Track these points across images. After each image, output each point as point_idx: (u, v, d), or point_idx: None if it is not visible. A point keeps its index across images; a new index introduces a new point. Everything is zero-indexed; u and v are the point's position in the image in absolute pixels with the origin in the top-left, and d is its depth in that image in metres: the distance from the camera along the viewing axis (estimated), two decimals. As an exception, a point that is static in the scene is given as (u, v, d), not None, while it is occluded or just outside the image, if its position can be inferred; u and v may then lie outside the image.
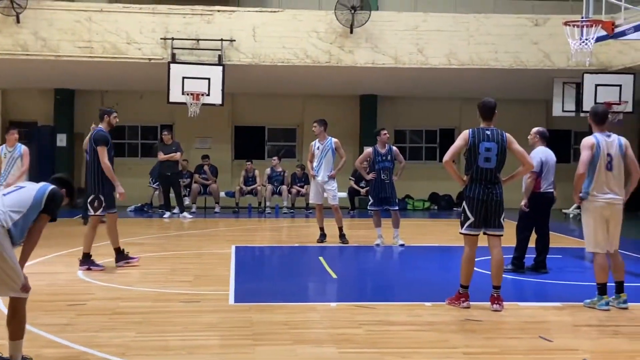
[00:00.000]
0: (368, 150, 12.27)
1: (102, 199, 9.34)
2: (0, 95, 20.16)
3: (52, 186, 5.32)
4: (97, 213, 9.40)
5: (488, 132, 7.36)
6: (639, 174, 7.57)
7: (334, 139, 12.38)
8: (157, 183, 17.73)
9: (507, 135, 7.43)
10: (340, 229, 12.48)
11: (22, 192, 5.21)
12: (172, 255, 10.83)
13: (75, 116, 19.92)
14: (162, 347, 5.89)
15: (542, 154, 9.50)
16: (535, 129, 9.82)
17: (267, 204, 18.50)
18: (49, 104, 19.86)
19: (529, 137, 9.78)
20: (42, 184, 5.33)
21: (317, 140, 12.50)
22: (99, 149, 9.31)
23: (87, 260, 9.36)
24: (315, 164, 12.36)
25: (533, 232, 9.73)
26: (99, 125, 9.63)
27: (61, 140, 19.64)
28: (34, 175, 19.56)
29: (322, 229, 12.54)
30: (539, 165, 9.30)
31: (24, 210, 5.06)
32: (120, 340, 6.02)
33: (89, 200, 9.49)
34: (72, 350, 5.74)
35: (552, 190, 9.63)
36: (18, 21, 15.13)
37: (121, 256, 9.67)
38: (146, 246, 11.68)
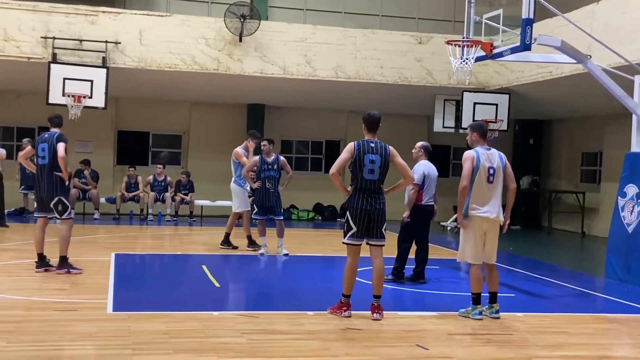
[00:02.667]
0: (255, 158, 12.25)
1: (66, 201, 9.40)
2: None
3: None
4: (64, 217, 9.44)
5: (372, 145, 7.52)
6: (514, 185, 7.96)
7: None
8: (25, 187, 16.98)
9: (391, 148, 7.62)
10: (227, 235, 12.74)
11: None
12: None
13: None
14: (34, 357, 5.65)
15: (425, 167, 9.78)
16: (419, 144, 10.07)
17: (150, 211, 18.09)
18: None
19: (413, 151, 10.02)
20: None
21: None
22: (60, 145, 9.29)
23: (65, 264, 9.40)
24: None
25: (413, 243, 10.00)
26: (53, 129, 9.62)
27: None
28: None
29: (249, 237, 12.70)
30: (421, 178, 9.61)
31: None
32: (-11, 351, 5.73)
33: (52, 204, 9.37)
34: None
35: (432, 203, 9.91)
36: None
37: (43, 262, 9.56)
38: (20, 252, 11.15)
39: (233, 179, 12.71)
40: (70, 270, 9.41)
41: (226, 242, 12.72)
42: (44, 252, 9.62)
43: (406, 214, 9.73)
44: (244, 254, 12.35)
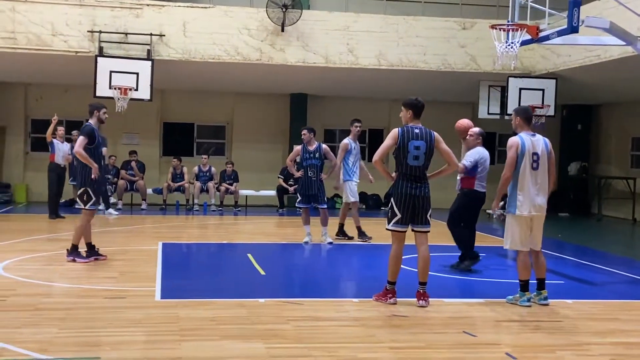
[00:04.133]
0: (297, 148, 12.27)
1: (91, 193, 9.45)
2: None
3: None
4: (87, 207, 9.48)
5: (417, 131, 7.43)
6: (555, 175, 7.81)
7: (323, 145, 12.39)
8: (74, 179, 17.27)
9: (435, 134, 7.53)
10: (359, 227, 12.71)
11: None
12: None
13: (-3, 108, 19.32)
14: (85, 343, 5.73)
15: (480, 154, 9.66)
16: (476, 130, 9.90)
17: (196, 201, 18.28)
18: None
19: (468, 137, 9.85)
20: None
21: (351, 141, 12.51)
22: (80, 139, 9.38)
23: (74, 252, 9.50)
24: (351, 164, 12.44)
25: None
26: (89, 121, 9.73)
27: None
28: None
29: (359, 227, 12.71)
30: (473, 165, 9.53)
31: None
32: (42, 337, 5.83)
33: (78, 193, 9.60)
34: (-11, 347, 5.54)
35: (484, 190, 9.78)
36: None
37: (92, 252, 9.74)
38: (69, 242, 11.36)
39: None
40: (76, 259, 9.46)
41: (341, 232, 12.77)
42: (92, 241, 9.77)
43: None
44: (288, 242, 12.38)
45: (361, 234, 12.59)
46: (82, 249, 9.72)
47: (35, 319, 6.48)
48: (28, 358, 5.30)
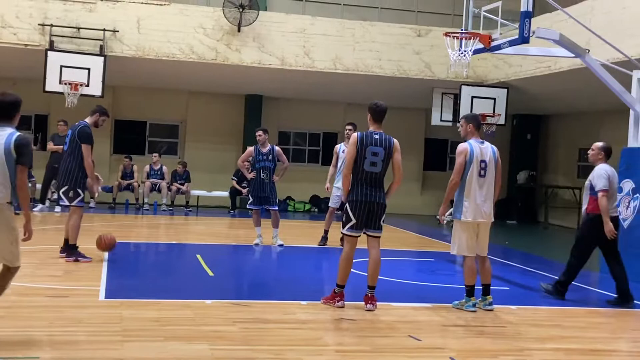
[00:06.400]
0: (250, 149, 12.19)
1: (79, 191, 9.44)
2: None
3: (15, 133, 5.50)
4: (74, 204, 9.44)
5: (377, 137, 7.41)
6: (500, 183, 7.90)
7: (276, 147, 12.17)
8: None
9: (395, 142, 7.49)
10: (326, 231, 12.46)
11: None
12: (41, 250, 10.30)
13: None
14: (25, 342, 5.60)
15: (608, 171, 8.58)
16: (599, 144, 8.82)
17: (146, 200, 18.04)
18: None
19: (590, 152, 8.90)
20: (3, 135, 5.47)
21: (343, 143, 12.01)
22: (84, 147, 9.38)
23: (74, 252, 9.43)
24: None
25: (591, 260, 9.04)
26: (85, 119, 9.71)
27: None
28: None
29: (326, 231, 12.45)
30: (607, 183, 8.46)
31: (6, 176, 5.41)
32: (-22, 336, 5.68)
33: (62, 190, 9.48)
34: None
35: (617, 214, 8.79)
36: None
37: (72, 250, 9.58)
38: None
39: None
40: (79, 259, 9.42)
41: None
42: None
43: (607, 227, 8.28)
44: (239, 244, 12.31)
45: (323, 237, 12.52)
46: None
47: (-27, 317, 6.31)
48: (-36, 357, 5.15)
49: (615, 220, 8.60)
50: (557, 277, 8.99)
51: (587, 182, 8.73)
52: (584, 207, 8.75)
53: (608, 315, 8.12)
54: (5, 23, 14.78)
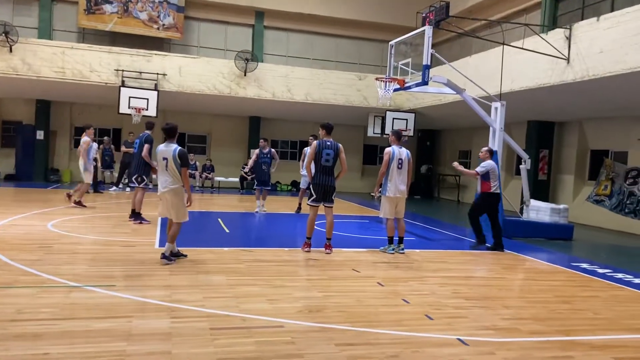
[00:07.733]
0: (256, 151, 12.11)
1: (144, 177, 9.28)
2: (-6, 101, 18.02)
3: (178, 148, 5.85)
4: (142, 185, 9.30)
5: (329, 143, 7.42)
6: (411, 173, 7.90)
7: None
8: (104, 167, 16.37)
9: (340, 146, 7.50)
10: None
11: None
12: (117, 216, 10.13)
13: (50, 119, 18.15)
14: (105, 276, 5.50)
15: (489, 165, 8.37)
16: (486, 148, 8.54)
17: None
18: (32, 109, 17.99)
19: (480, 154, 8.60)
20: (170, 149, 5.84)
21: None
22: (145, 146, 9.19)
23: (139, 217, 9.24)
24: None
25: (488, 222, 8.70)
26: (145, 132, 9.53)
27: (39, 135, 17.83)
28: (21, 158, 17.80)
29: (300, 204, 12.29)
30: (485, 172, 8.29)
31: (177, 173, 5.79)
32: (76, 271, 5.57)
33: (134, 177, 9.30)
34: (40, 278, 5.24)
35: (499, 191, 8.39)
36: (11, 51, 13.71)
37: (137, 216, 9.35)
38: (97, 210, 10.90)
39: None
40: (142, 222, 9.22)
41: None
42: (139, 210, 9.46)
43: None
44: (246, 211, 12.20)
45: (298, 207, 12.40)
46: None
47: (71, 259, 6.19)
48: (66, 285, 5.04)
49: (498, 195, 8.39)
50: (443, 231, 9.01)
51: (480, 170, 8.36)
52: (478, 188, 8.50)
53: (475, 255, 8.18)
54: (92, 69, 14.42)
